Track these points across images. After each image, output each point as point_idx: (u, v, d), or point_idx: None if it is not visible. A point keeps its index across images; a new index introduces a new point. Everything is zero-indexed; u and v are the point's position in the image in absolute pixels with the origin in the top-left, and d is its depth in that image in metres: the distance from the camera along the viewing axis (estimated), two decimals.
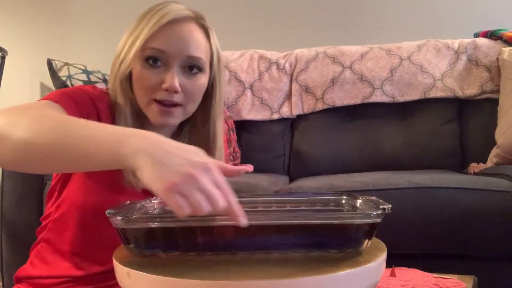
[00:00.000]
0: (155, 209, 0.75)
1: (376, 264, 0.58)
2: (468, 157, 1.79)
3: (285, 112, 1.98)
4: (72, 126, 0.60)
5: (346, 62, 1.95)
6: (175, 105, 0.83)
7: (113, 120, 0.86)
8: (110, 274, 0.83)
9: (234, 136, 1.91)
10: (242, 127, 1.99)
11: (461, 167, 1.79)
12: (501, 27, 1.91)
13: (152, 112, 0.83)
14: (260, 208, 0.78)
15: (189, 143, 0.90)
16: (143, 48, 0.81)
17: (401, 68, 1.89)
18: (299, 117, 1.98)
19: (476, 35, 1.97)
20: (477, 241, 1.24)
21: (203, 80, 0.85)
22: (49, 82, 2.20)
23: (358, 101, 1.90)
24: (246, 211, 0.56)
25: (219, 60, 0.89)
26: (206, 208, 0.53)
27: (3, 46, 2.16)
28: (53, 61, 1.99)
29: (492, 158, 1.67)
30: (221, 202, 0.54)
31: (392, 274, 0.98)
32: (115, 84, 0.85)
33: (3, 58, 2.16)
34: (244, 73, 2.01)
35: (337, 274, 0.54)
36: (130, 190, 0.82)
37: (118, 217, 0.59)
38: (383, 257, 0.61)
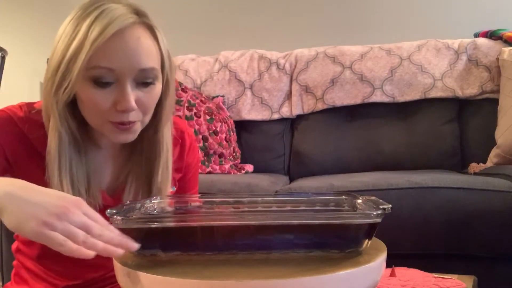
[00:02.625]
0: (155, 209, 0.75)
1: (376, 264, 0.58)
2: (468, 157, 1.79)
3: (285, 112, 1.98)
4: None
5: (346, 62, 1.94)
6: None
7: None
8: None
9: (234, 136, 1.92)
10: (242, 127, 1.99)
11: (461, 167, 1.79)
12: (501, 27, 1.91)
13: (110, 132, 0.76)
14: (260, 208, 0.78)
15: (141, 148, 0.83)
16: (87, 67, 0.70)
17: (401, 68, 1.89)
18: (299, 117, 1.98)
19: (476, 35, 1.97)
20: (477, 241, 1.24)
21: (158, 88, 0.78)
22: None
23: (358, 101, 1.90)
24: (246, 211, 0.56)
25: (170, 59, 0.80)
26: (80, 235, 0.55)
27: (3, 46, 2.16)
28: None
29: (492, 158, 1.67)
30: (96, 229, 0.57)
31: (392, 274, 0.98)
32: (53, 109, 0.73)
33: (3, 58, 2.16)
34: (244, 73, 2.01)
35: (337, 274, 0.54)
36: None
37: (118, 217, 0.59)
38: (383, 257, 0.61)
